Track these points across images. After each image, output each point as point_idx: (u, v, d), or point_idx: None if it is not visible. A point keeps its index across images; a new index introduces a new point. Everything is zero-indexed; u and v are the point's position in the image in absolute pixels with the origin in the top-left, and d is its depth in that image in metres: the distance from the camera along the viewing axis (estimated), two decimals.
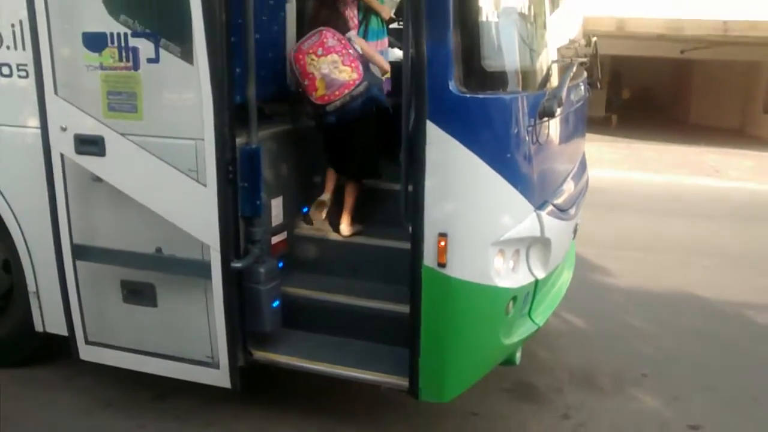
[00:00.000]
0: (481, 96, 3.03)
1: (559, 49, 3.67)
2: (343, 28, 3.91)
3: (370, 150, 4.01)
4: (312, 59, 3.73)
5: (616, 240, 7.44)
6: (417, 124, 3.02)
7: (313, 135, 4.12)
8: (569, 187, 3.96)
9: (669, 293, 6.02)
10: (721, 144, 15.65)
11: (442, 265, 3.12)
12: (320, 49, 3.72)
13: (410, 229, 3.20)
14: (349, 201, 4.05)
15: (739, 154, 14.53)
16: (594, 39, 4.17)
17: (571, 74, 3.45)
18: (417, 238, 3.15)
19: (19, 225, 3.86)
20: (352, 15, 4.30)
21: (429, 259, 3.14)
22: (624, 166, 12.42)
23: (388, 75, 4.26)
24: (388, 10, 4.74)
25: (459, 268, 3.13)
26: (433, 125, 2.99)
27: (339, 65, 3.71)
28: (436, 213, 3.09)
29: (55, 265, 3.63)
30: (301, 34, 3.97)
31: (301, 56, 3.76)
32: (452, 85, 2.94)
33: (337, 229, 4.06)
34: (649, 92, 22.89)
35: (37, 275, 3.92)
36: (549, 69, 3.41)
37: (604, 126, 17.72)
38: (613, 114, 19.57)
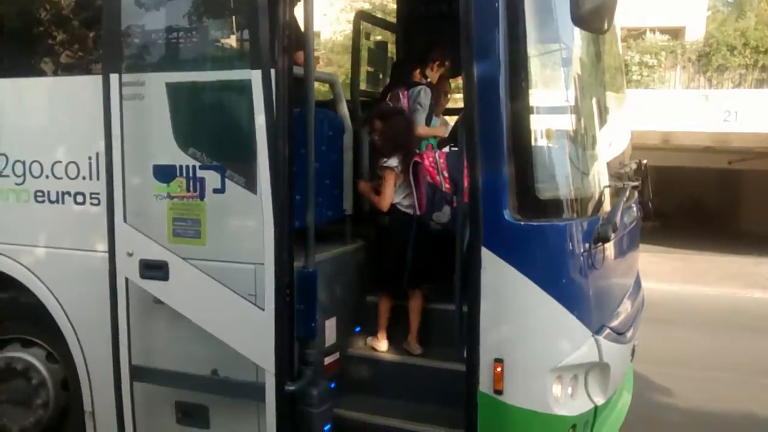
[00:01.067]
0: (535, 223, 3.09)
1: (611, 173, 3.72)
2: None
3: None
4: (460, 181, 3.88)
5: (674, 357, 7.20)
6: (472, 249, 3.08)
7: (364, 255, 4.23)
8: (626, 308, 3.92)
9: (732, 415, 5.76)
10: None
11: (499, 392, 3.08)
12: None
13: (465, 353, 3.19)
14: (416, 320, 4.07)
15: None
16: (644, 162, 4.23)
17: (625, 199, 3.49)
18: (473, 364, 3.13)
19: (80, 345, 3.95)
20: None
21: (485, 385, 3.10)
22: (677, 279, 12.17)
23: None
24: (443, 130, 4.90)
25: (516, 396, 3.08)
26: (488, 251, 3.04)
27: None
28: (491, 338, 3.09)
29: (112, 385, 3.67)
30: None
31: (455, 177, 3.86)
32: (507, 213, 3.02)
33: (400, 349, 4.06)
34: (697, 202, 22.70)
35: (93, 395, 3.96)
36: (602, 194, 3.46)
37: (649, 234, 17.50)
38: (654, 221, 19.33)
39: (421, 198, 4.05)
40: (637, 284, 4.51)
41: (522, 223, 3.05)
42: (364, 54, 5.77)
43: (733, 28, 17.69)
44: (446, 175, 3.91)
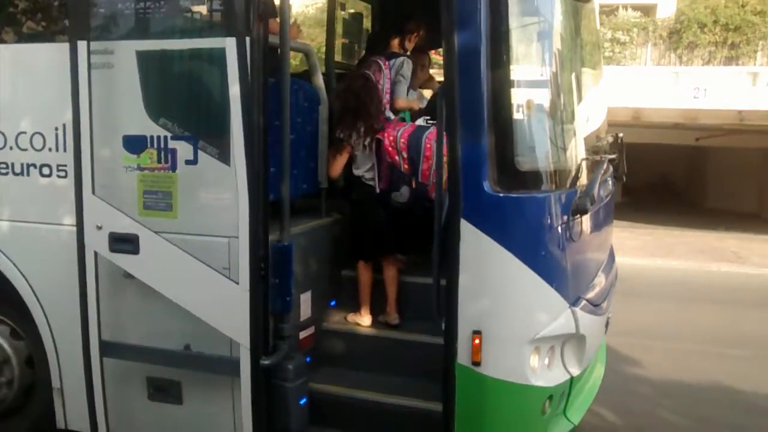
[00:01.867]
0: (515, 195, 3.07)
1: (588, 146, 3.71)
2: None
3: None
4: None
5: (644, 329, 7.30)
6: (450, 221, 3.05)
7: (340, 229, 4.20)
8: (600, 280, 3.93)
9: (703, 386, 5.85)
10: (741, 229, 15.56)
11: (477, 364, 3.08)
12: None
13: (443, 325, 3.17)
14: (393, 289, 4.04)
15: (759, 239, 14.42)
16: (621, 135, 4.23)
17: (602, 172, 3.48)
18: (450, 336, 3.12)
19: (47, 321, 3.85)
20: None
21: (463, 357, 3.10)
22: (646, 253, 12.34)
23: None
24: (418, 103, 4.85)
25: (494, 367, 3.09)
26: (467, 223, 3.02)
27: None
28: (470, 310, 3.08)
29: (81, 361, 3.60)
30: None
31: (429, 144, 3.82)
32: (486, 184, 2.99)
33: (375, 322, 4.04)
34: (665, 178, 23.03)
35: (62, 371, 3.88)
36: (580, 166, 3.45)
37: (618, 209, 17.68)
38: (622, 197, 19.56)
39: (382, 176, 4.03)
40: (611, 257, 4.54)
41: (501, 194, 3.02)
42: (338, 27, 5.66)
43: (704, 5, 17.79)
44: (405, 156, 3.86)
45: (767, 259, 12.15)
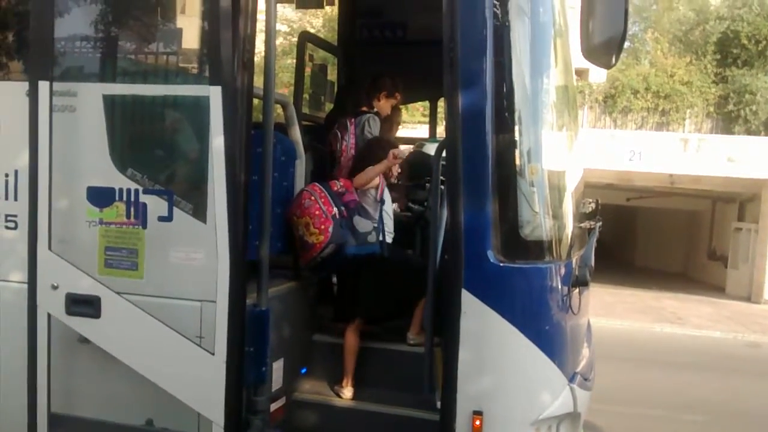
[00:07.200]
0: (521, 266, 2.90)
1: (577, 213, 3.61)
2: None
3: (363, 294, 3.81)
4: (294, 220, 3.65)
5: (595, 392, 7.20)
6: (451, 292, 2.85)
7: (314, 291, 3.98)
8: (586, 351, 3.81)
9: None
10: (672, 289, 16.01)
11: None
12: (298, 210, 3.64)
13: (438, 402, 2.95)
14: (350, 360, 3.75)
15: (693, 299, 14.85)
16: (598, 200, 4.16)
17: (595, 239, 3.38)
18: (449, 415, 2.89)
19: None
20: None
21: None
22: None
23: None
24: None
25: None
26: (468, 295, 2.83)
27: (310, 227, 3.60)
28: (470, 388, 2.87)
29: None
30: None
31: (288, 216, 3.69)
32: (491, 253, 2.81)
33: (338, 393, 3.76)
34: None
35: None
36: (576, 234, 3.33)
37: None
38: None
39: None
40: (589, 327, 4.42)
41: (506, 265, 2.85)
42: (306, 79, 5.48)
43: (635, 72, 18.62)
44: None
45: (705, 320, 12.47)
